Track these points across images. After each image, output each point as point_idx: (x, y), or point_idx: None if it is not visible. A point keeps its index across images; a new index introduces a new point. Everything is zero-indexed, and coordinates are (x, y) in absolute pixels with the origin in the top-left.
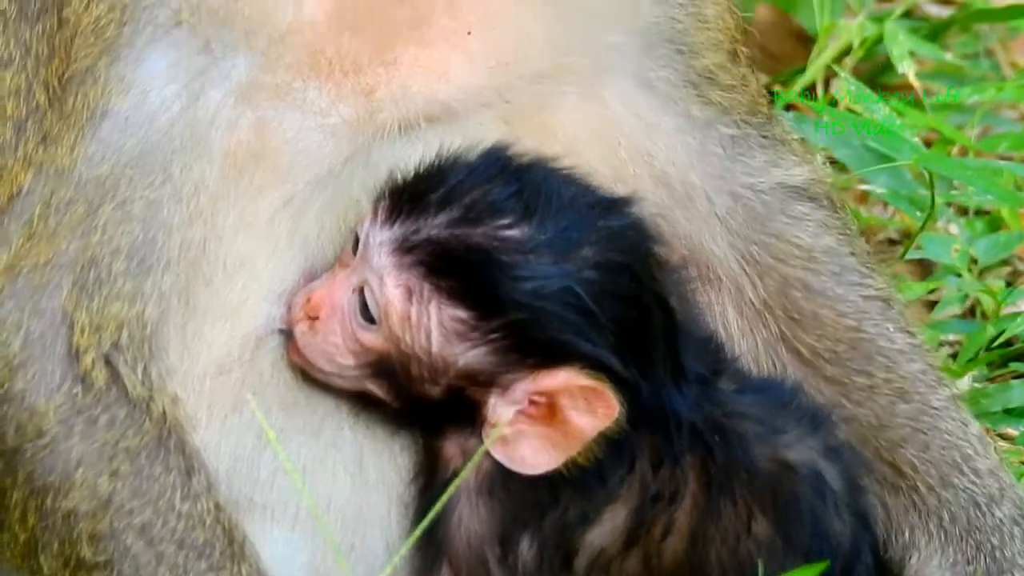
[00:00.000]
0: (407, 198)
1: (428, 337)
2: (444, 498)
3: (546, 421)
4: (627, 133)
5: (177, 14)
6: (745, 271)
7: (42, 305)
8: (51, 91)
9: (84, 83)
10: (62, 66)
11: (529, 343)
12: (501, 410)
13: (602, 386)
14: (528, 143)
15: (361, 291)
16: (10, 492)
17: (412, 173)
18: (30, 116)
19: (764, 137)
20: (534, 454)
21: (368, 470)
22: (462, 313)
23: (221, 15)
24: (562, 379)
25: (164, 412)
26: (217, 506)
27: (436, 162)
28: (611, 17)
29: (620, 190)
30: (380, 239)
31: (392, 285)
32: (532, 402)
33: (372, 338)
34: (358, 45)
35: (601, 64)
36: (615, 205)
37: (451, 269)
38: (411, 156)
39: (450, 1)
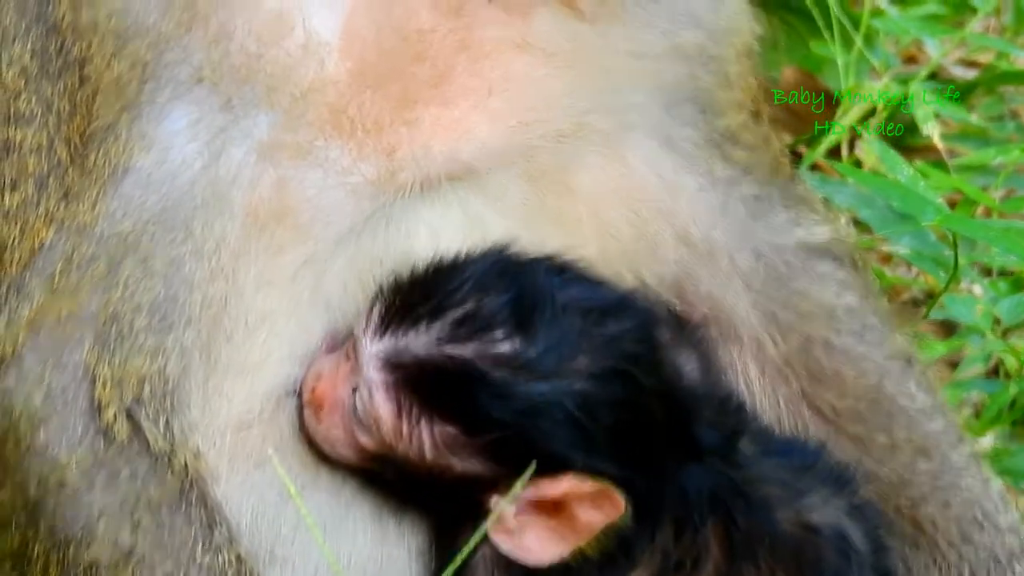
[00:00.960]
0: (398, 307)
1: (421, 448)
2: (450, 571)
3: (552, 514)
4: (649, 192)
5: (199, 71)
6: (767, 329)
7: (64, 359)
8: (73, 148)
9: (106, 140)
10: (84, 123)
11: (524, 455)
12: (504, 507)
13: (606, 488)
14: (551, 203)
15: (356, 392)
16: (32, 544)
17: (407, 276)
18: (52, 172)
19: (786, 196)
20: (540, 545)
21: (388, 526)
22: (452, 430)
23: (243, 73)
24: (564, 488)
25: (186, 465)
26: (239, 558)
27: (432, 265)
28: (633, 76)
29: (641, 249)
30: (371, 351)
31: (381, 400)
32: (536, 500)
33: (368, 440)
34: (380, 104)
35: (623, 123)
36: (615, 307)
37: (440, 388)
38: (432, 216)
39: (471, 60)
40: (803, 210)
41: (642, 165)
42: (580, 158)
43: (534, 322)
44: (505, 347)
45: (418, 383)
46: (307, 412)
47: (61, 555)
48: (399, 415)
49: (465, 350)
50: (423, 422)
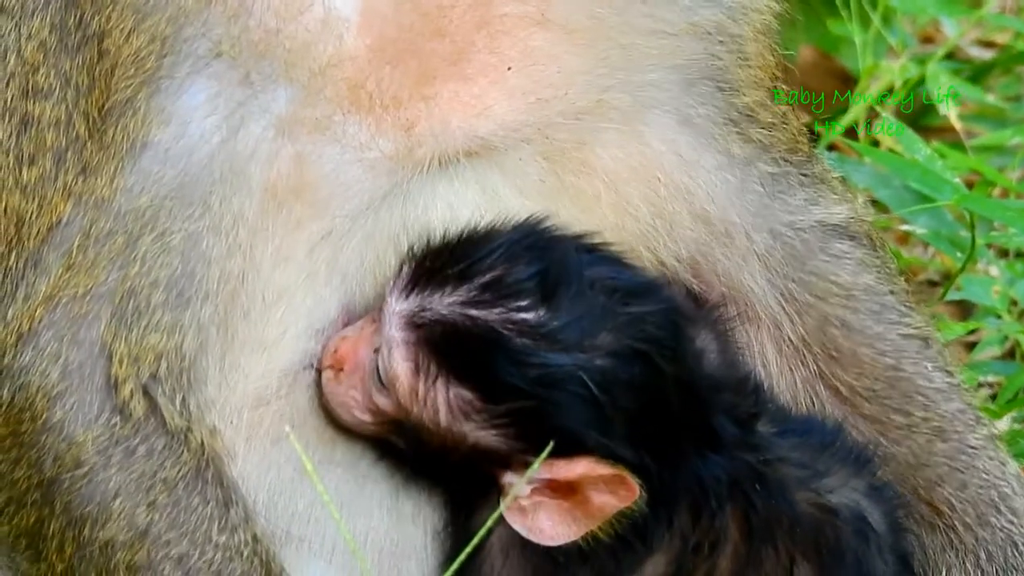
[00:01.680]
0: (427, 269)
1: (436, 412)
2: (467, 551)
3: (566, 496)
4: (667, 170)
5: (217, 46)
6: (784, 309)
7: (81, 335)
8: (91, 122)
9: (124, 114)
10: (102, 97)
11: (538, 430)
12: (517, 486)
13: (622, 473)
14: (569, 180)
15: (378, 353)
16: (48, 522)
17: (438, 241)
18: (70, 147)
19: (804, 175)
20: (553, 526)
21: (404, 503)
22: (468, 394)
23: (261, 48)
24: (580, 470)
25: (202, 443)
26: (255, 538)
27: (464, 232)
28: (651, 54)
29: (659, 227)
30: (395, 309)
31: (400, 358)
32: (551, 480)
33: (384, 402)
34: (399, 79)
35: (641, 101)
36: (641, 289)
37: (459, 349)
38: (450, 193)
39: (490, 36)
40: (821, 189)
41: (660, 143)
42: (598, 135)
43: (560, 294)
44: (529, 315)
45: (438, 343)
46: (327, 375)
47: (76, 533)
48: (416, 374)
49: (488, 314)
50: (439, 383)
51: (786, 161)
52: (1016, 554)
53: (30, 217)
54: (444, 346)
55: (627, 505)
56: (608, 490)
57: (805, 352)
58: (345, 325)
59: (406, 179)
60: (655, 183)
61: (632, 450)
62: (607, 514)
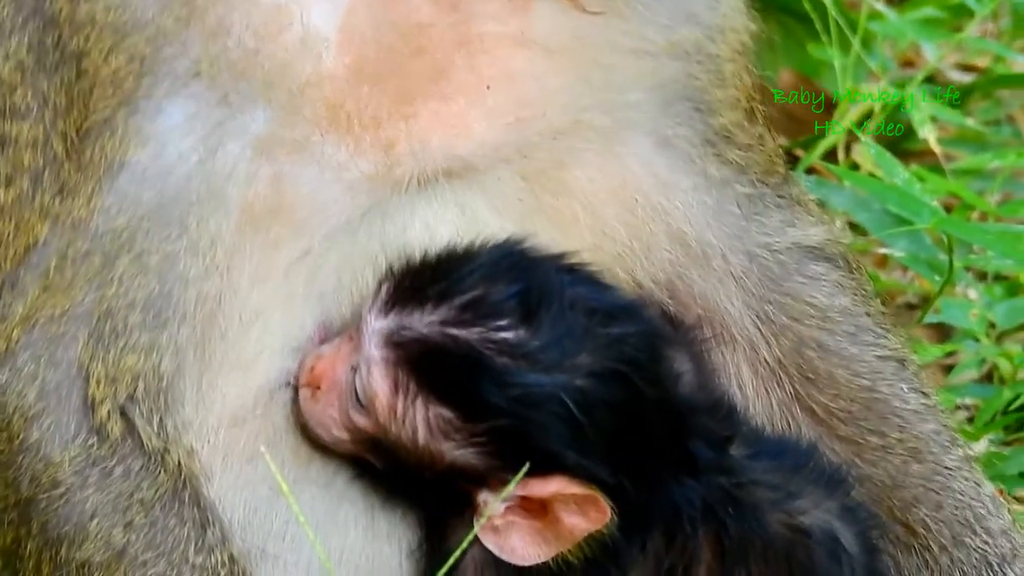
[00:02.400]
0: (406, 288)
1: (414, 431)
2: (440, 574)
3: (538, 516)
4: (644, 191)
5: (196, 65)
6: (760, 330)
7: (58, 356)
8: (69, 142)
9: (102, 135)
10: (80, 117)
11: (517, 449)
12: (492, 505)
13: (594, 494)
14: (547, 200)
15: (355, 372)
16: (24, 542)
17: (419, 260)
18: (47, 167)
19: (780, 197)
20: (524, 546)
21: (380, 522)
22: (447, 413)
23: (240, 67)
24: (553, 488)
25: (179, 464)
26: (231, 558)
27: (443, 252)
28: (631, 73)
29: (636, 248)
30: (374, 327)
31: (379, 377)
32: (524, 499)
33: (362, 421)
34: (377, 98)
35: (620, 121)
36: (620, 311)
37: (439, 369)
38: (428, 212)
39: (470, 55)
40: (797, 211)
41: (637, 164)
42: (576, 155)
43: (540, 315)
44: (509, 335)
45: (417, 362)
46: (304, 394)
47: (53, 553)
48: (395, 393)
49: (468, 333)
50: (419, 402)
51: (762, 183)
52: (991, 574)
53: (7, 238)
54: (423, 365)
55: (598, 528)
56: (580, 511)
57: (781, 374)
58: (322, 342)
59: (385, 199)
60: (632, 204)
61: (610, 471)
62: (577, 536)
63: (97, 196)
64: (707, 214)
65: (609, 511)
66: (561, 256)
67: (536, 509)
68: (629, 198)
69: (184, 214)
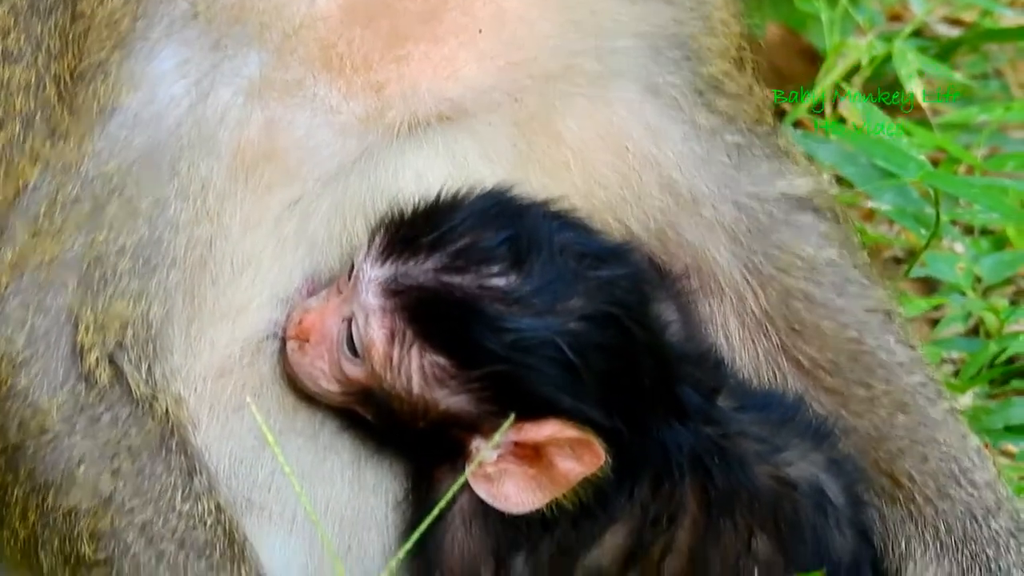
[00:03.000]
0: (400, 237)
1: (409, 380)
2: (429, 520)
3: (531, 462)
4: (635, 139)
5: (194, 7)
6: (747, 281)
7: (47, 303)
8: (62, 85)
9: (95, 79)
10: (74, 60)
11: (512, 394)
12: (484, 451)
13: (588, 437)
14: (538, 147)
15: (349, 323)
16: (11, 489)
17: (410, 209)
18: (39, 111)
19: (769, 147)
20: (518, 493)
21: (366, 473)
22: (443, 360)
23: (235, 11)
24: (548, 432)
25: (167, 412)
26: (218, 507)
27: (435, 200)
28: (621, 19)
29: (626, 196)
30: (371, 276)
31: (376, 326)
32: (517, 444)
33: (356, 371)
34: (370, 40)
35: (610, 68)
36: (609, 254)
37: (434, 317)
38: (419, 160)
39: None
40: (785, 161)
41: (627, 111)
42: (567, 101)
43: (530, 260)
44: (500, 281)
45: (413, 310)
46: (291, 346)
47: (40, 500)
48: (391, 341)
49: (462, 280)
50: (414, 350)
51: (751, 133)
52: (975, 527)
53: None
54: (420, 313)
55: (592, 472)
56: (574, 456)
57: (767, 325)
58: (309, 295)
59: (376, 144)
60: (623, 152)
61: (604, 414)
62: (572, 481)
63: (88, 140)
64: (696, 163)
65: (603, 454)
66: (548, 203)
67: (529, 456)
68: (619, 145)
69: (175, 159)
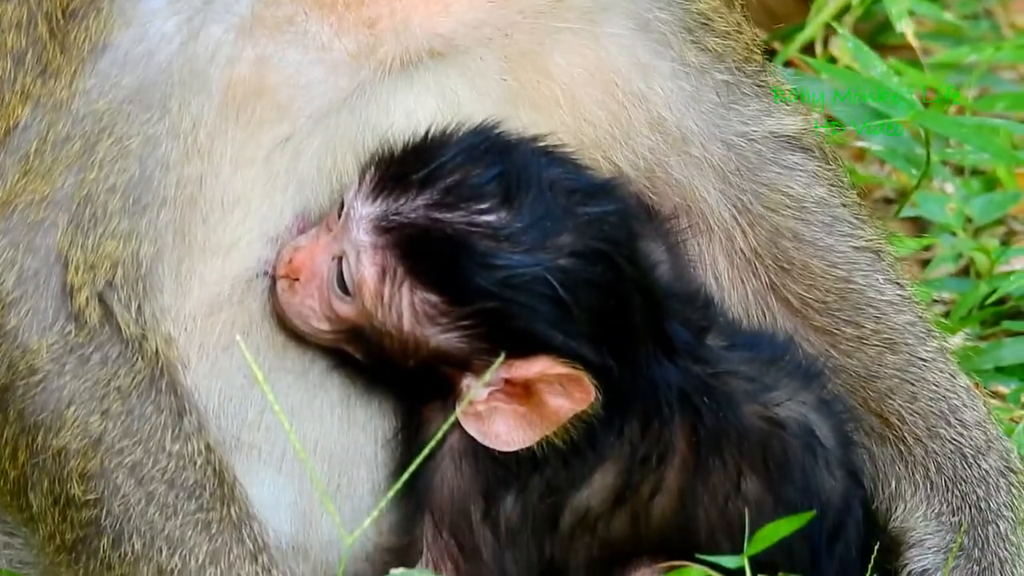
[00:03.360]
0: (391, 175)
1: (400, 317)
2: (419, 459)
3: (521, 400)
4: (624, 75)
5: None
6: (736, 220)
7: (37, 243)
8: (54, 23)
9: (87, 15)
10: None
11: (502, 331)
12: (475, 390)
13: (579, 373)
14: (528, 84)
15: (340, 261)
16: (1, 429)
17: (399, 147)
18: (31, 48)
19: (758, 86)
20: (508, 431)
21: (356, 411)
22: (434, 297)
23: None
24: (538, 368)
25: (157, 351)
26: (208, 447)
27: (424, 137)
28: None
29: (616, 134)
30: (362, 213)
31: (368, 263)
32: (508, 382)
33: (346, 309)
34: None
35: (600, 3)
36: (598, 190)
37: (425, 253)
38: (409, 97)
39: None
40: (774, 100)
41: (617, 46)
42: (557, 37)
43: (520, 197)
44: (491, 218)
45: (404, 247)
46: (281, 285)
47: (30, 440)
48: (382, 279)
49: (452, 217)
50: (405, 287)
51: (740, 71)
52: (965, 466)
53: None
54: (411, 250)
55: (583, 408)
56: (564, 392)
57: (757, 264)
58: (300, 231)
59: (367, 81)
60: (612, 88)
61: (595, 350)
62: (562, 418)
63: (79, 78)
64: (686, 100)
65: (594, 390)
66: (536, 138)
67: (520, 393)
68: (609, 81)
69: (166, 97)
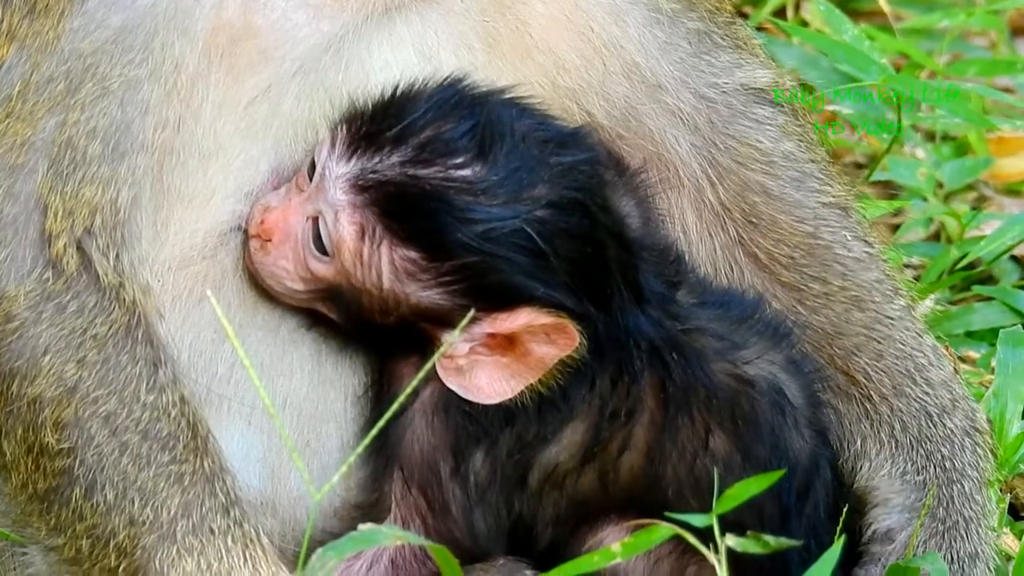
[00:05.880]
0: (364, 133)
1: (379, 275)
2: (389, 414)
3: (504, 351)
4: (599, 21)
5: None
6: (706, 173)
7: (16, 188)
8: None
9: None
10: None
11: (482, 285)
12: (450, 343)
13: (563, 321)
14: (503, 33)
15: (315, 221)
16: None
17: (371, 104)
18: None
19: (728, 37)
20: (491, 383)
21: (326, 367)
22: (413, 254)
23: None
24: (522, 321)
25: (134, 301)
26: (182, 399)
27: (393, 94)
28: None
29: (591, 81)
30: (337, 173)
31: (346, 222)
32: (491, 335)
33: (323, 268)
34: None
35: None
36: (569, 139)
37: (403, 211)
38: (386, 49)
39: None
40: (744, 53)
41: None
42: None
43: (494, 150)
44: (466, 172)
45: (382, 204)
46: (254, 245)
47: (4, 388)
48: (361, 237)
49: (427, 173)
50: (384, 245)
51: (711, 21)
52: (930, 424)
53: None
54: (388, 207)
55: (568, 353)
56: (548, 340)
57: (725, 218)
58: (275, 187)
59: (349, 27)
60: (588, 33)
61: (575, 299)
62: (547, 364)
63: (67, 18)
64: (659, 47)
65: (577, 335)
66: (505, 90)
67: (502, 345)
68: (584, 26)
69: (149, 38)
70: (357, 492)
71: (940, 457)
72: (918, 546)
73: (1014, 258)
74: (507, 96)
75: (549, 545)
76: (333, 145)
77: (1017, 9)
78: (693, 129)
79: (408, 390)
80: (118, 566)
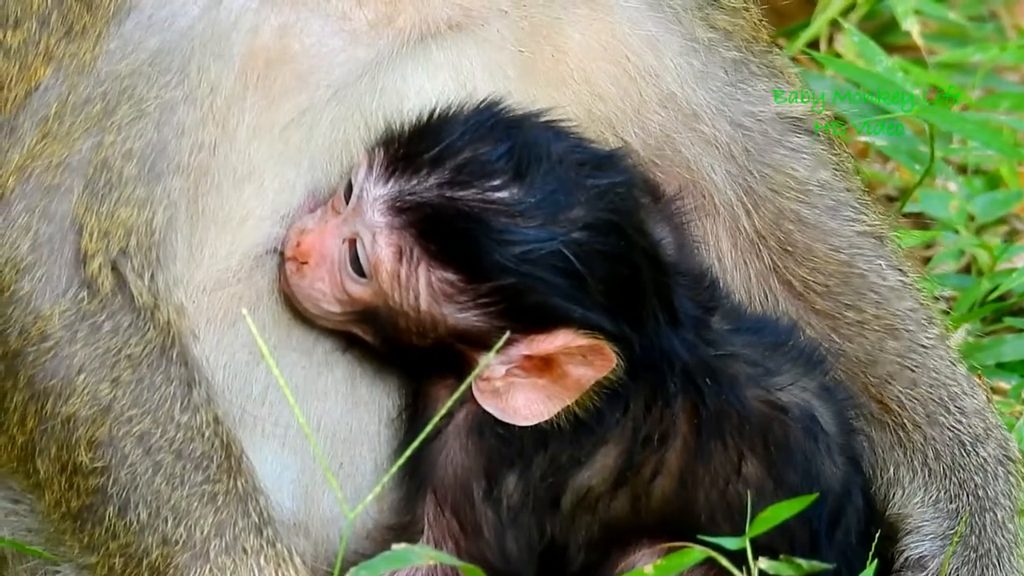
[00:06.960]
0: (402, 155)
1: (416, 297)
2: (424, 435)
3: (541, 373)
4: (636, 51)
5: None
6: (741, 201)
7: (52, 208)
8: None
9: None
10: None
11: (520, 307)
12: (486, 364)
13: (600, 343)
14: (541, 59)
15: (352, 243)
16: (10, 395)
17: (408, 126)
18: (56, 9)
19: (764, 65)
20: (528, 405)
21: (360, 390)
22: (451, 276)
23: None
24: (559, 343)
25: (168, 321)
26: (216, 419)
27: (431, 116)
28: None
29: (627, 110)
30: (375, 195)
31: (384, 244)
32: (527, 357)
33: (361, 290)
34: None
35: None
36: (605, 161)
37: (441, 233)
38: (424, 73)
39: None
40: (780, 81)
41: (629, 22)
42: (572, 11)
43: (531, 171)
44: (503, 194)
45: (420, 226)
46: (290, 268)
47: (39, 407)
48: (399, 259)
49: (465, 195)
50: (423, 266)
51: (747, 49)
52: (963, 453)
53: (9, 82)
54: (427, 229)
55: (605, 375)
56: (585, 361)
57: (760, 246)
58: (311, 209)
59: (385, 52)
60: (624, 63)
61: (612, 320)
62: (584, 386)
63: (104, 40)
64: (695, 77)
65: (614, 356)
66: (541, 113)
67: (539, 367)
68: (621, 57)
69: (186, 61)
70: (390, 514)
71: (973, 486)
72: (950, 574)
73: None
74: (543, 119)
75: (581, 568)
76: (371, 167)
77: None
78: (728, 157)
79: (443, 410)
80: None
